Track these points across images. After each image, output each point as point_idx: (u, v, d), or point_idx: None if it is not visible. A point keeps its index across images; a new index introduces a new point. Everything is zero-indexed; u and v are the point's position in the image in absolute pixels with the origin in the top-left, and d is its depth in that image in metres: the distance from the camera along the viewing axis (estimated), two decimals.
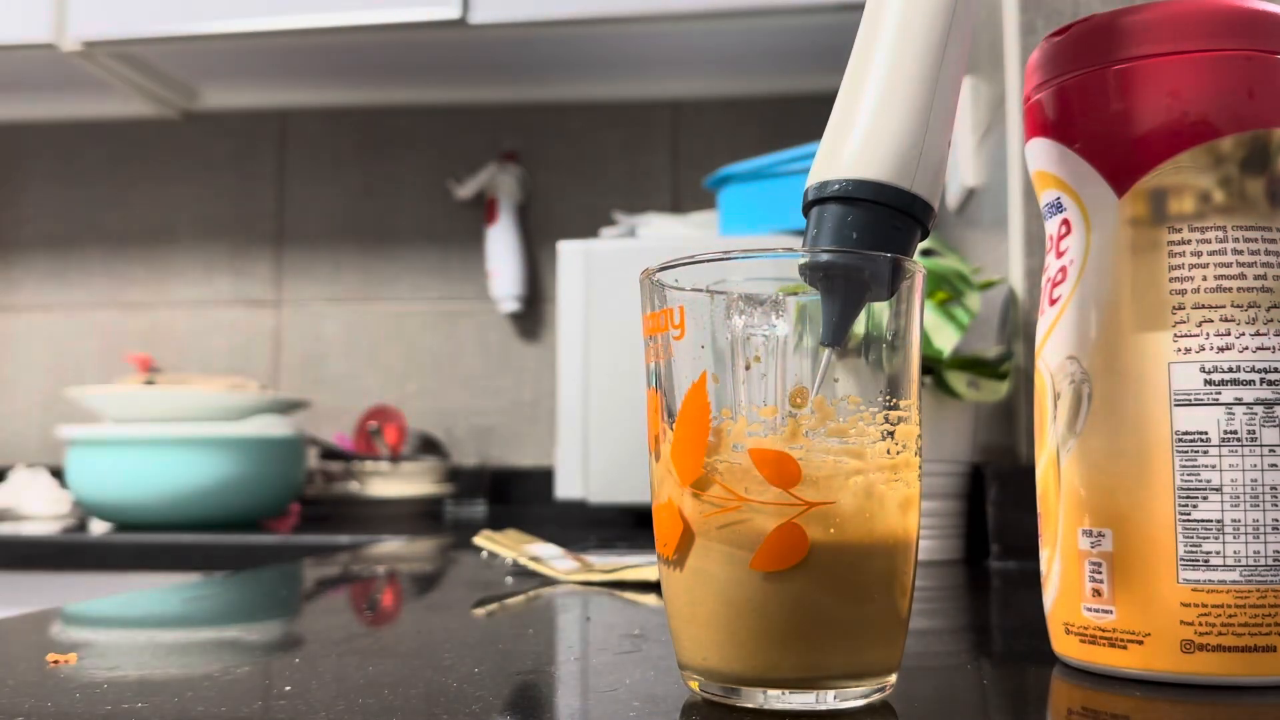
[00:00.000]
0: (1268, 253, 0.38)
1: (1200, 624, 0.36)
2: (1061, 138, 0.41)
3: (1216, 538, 0.37)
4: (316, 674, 0.40)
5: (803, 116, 1.67)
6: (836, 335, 0.34)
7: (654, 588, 0.64)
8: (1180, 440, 0.37)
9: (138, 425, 1.27)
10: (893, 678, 0.35)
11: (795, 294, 0.34)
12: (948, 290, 0.83)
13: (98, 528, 1.28)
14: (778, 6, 1.39)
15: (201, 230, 1.82)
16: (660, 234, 1.36)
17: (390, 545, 1.05)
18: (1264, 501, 0.37)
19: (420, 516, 1.51)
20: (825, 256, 0.35)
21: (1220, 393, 0.37)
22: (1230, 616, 0.36)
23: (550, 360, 1.71)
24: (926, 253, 0.91)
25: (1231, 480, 0.37)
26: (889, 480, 0.34)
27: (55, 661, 0.41)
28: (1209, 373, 0.37)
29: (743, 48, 1.58)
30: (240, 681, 0.39)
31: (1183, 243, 0.38)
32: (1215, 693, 0.36)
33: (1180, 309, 0.38)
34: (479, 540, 0.80)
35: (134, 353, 1.74)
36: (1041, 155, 0.42)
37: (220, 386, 1.36)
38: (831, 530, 0.32)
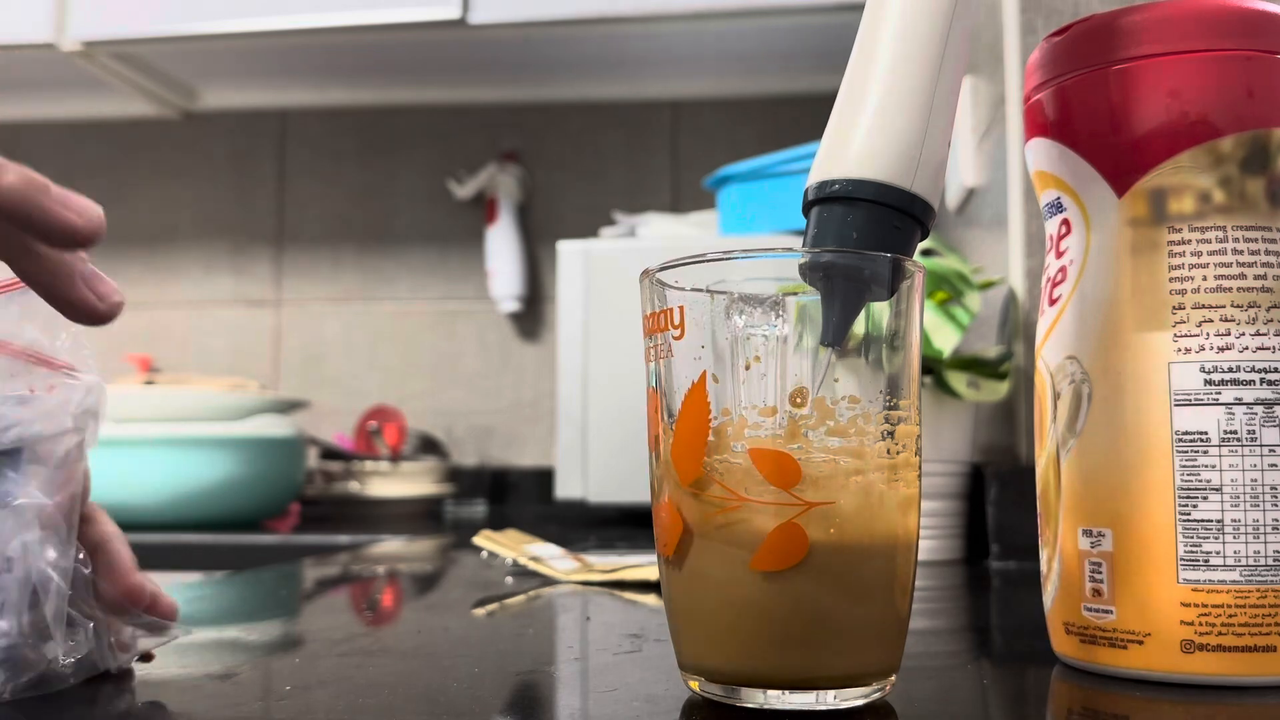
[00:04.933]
0: (1268, 253, 0.38)
1: (1200, 624, 0.36)
2: (1061, 138, 0.41)
3: (1216, 538, 0.37)
4: (316, 674, 0.40)
5: (803, 116, 1.67)
6: (836, 335, 0.34)
7: (654, 588, 0.64)
8: (1180, 440, 0.37)
9: (138, 425, 1.27)
10: (893, 678, 0.35)
11: (795, 294, 0.34)
12: (948, 290, 0.83)
13: None
14: (778, 6, 1.39)
15: (201, 230, 1.82)
16: (660, 234, 1.36)
17: (390, 545, 1.05)
18: (1264, 501, 0.37)
19: (420, 516, 1.51)
20: (825, 256, 0.35)
21: (1220, 393, 0.37)
22: (1230, 616, 0.36)
23: (550, 360, 1.71)
24: (926, 253, 0.91)
25: (1231, 480, 0.37)
26: (889, 480, 0.34)
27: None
28: (1209, 373, 0.37)
29: (743, 48, 1.58)
30: (240, 681, 0.39)
31: (1183, 243, 0.38)
32: (1215, 693, 0.36)
33: (1180, 309, 0.38)
34: (479, 540, 0.80)
35: (134, 353, 1.74)
36: (1041, 155, 0.42)
37: (220, 386, 1.36)
38: (831, 530, 0.32)
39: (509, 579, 0.70)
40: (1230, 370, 0.37)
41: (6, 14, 1.47)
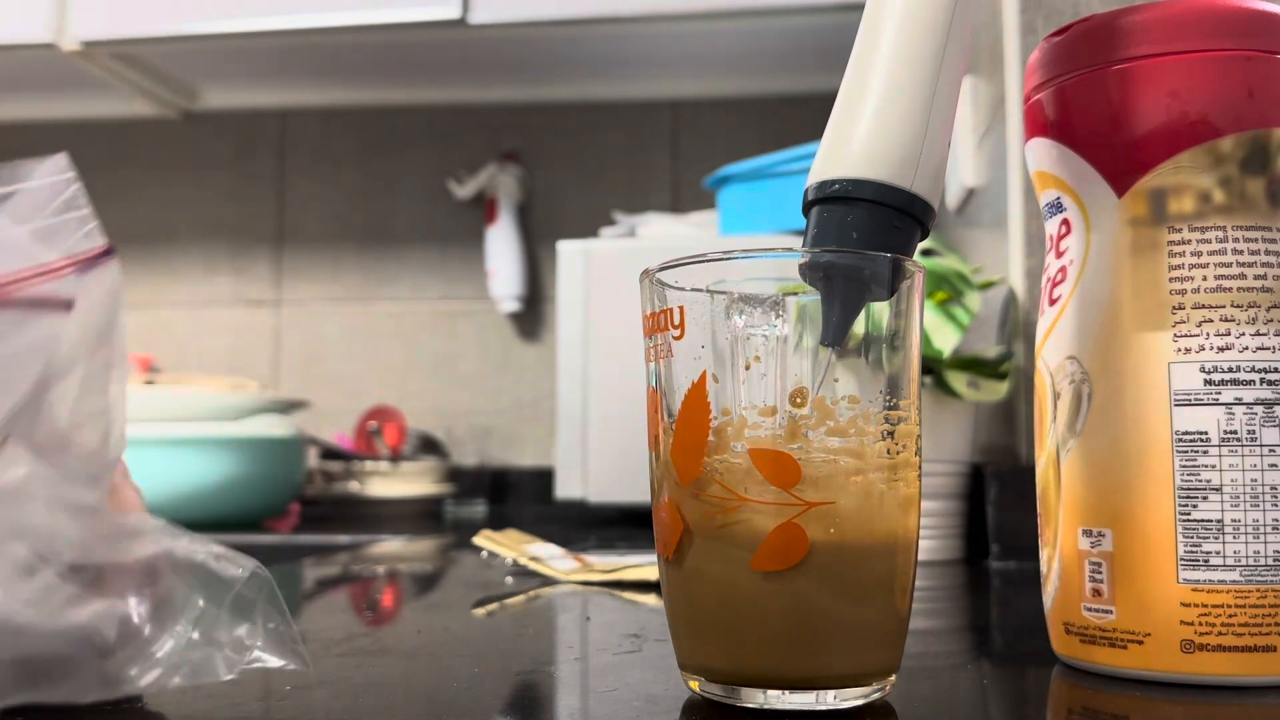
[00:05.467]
0: (1268, 253, 0.38)
1: (1200, 624, 0.36)
2: (1061, 138, 0.41)
3: (1216, 538, 0.37)
4: (316, 674, 0.40)
5: (803, 116, 1.67)
6: (836, 335, 0.34)
7: (654, 588, 0.64)
8: (1180, 440, 0.37)
9: (138, 425, 1.27)
10: (893, 678, 0.35)
11: (795, 294, 0.34)
12: (948, 290, 0.83)
13: None
14: (778, 6, 1.39)
15: (201, 230, 1.82)
16: (660, 234, 1.36)
17: (390, 545, 1.05)
18: (1264, 501, 0.37)
19: (420, 516, 1.51)
20: (825, 256, 0.35)
21: (1220, 393, 0.37)
22: (1230, 616, 0.36)
23: (550, 360, 1.70)
24: (926, 253, 0.91)
25: (1231, 480, 0.37)
26: (889, 480, 0.34)
27: None
28: (1209, 373, 0.37)
29: (743, 48, 1.58)
30: (240, 681, 0.39)
31: (1183, 243, 0.38)
32: (1215, 693, 0.36)
33: (1180, 309, 0.38)
34: (479, 540, 0.80)
35: (134, 353, 1.74)
36: (1041, 155, 0.42)
37: (220, 386, 1.36)
38: (831, 530, 0.32)
39: (509, 579, 0.70)
40: (1230, 370, 0.37)
41: (6, 14, 1.47)
